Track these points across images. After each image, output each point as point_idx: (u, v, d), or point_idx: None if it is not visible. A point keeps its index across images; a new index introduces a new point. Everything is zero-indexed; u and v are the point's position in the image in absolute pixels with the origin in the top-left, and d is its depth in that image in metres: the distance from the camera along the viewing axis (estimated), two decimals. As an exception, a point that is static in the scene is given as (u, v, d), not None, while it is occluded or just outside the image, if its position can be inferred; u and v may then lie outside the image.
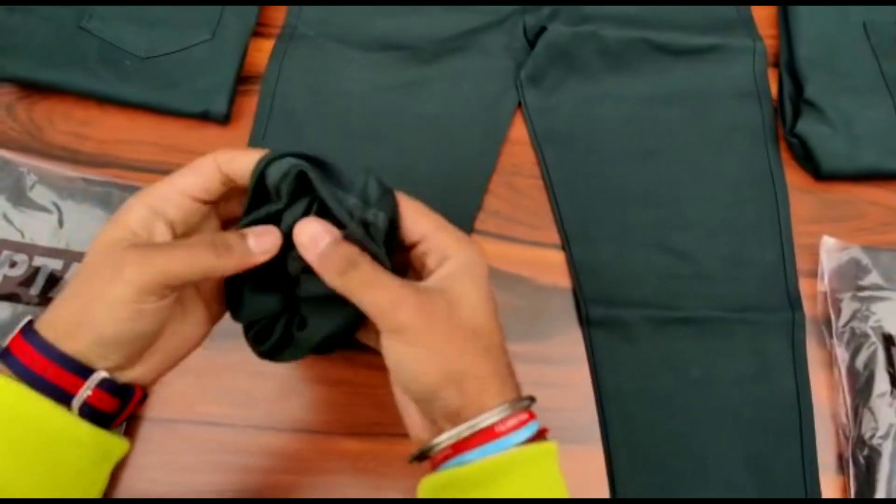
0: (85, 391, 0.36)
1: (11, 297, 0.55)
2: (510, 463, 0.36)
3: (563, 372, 0.57)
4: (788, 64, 0.66)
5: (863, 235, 0.61)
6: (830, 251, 0.59)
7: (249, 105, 0.66)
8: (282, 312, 0.42)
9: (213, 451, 0.54)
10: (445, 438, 0.37)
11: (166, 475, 0.53)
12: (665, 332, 0.57)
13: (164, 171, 0.62)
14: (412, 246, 0.40)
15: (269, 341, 0.42)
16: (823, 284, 0.58)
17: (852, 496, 0.52)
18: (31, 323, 0.38)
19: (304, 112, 0.65)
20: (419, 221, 0.40)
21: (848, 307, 0.56)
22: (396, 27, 0.68)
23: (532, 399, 0.39)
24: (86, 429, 0.36)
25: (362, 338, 0.43)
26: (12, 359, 0.36)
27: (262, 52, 0.67)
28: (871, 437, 0.52)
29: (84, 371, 0.36)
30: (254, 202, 0.40)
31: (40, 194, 0.59)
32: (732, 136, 0.64)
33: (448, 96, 0.65)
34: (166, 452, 0.54)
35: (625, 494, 0.53)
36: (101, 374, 0.36)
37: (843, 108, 0.62)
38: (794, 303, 0.58)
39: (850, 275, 0.57)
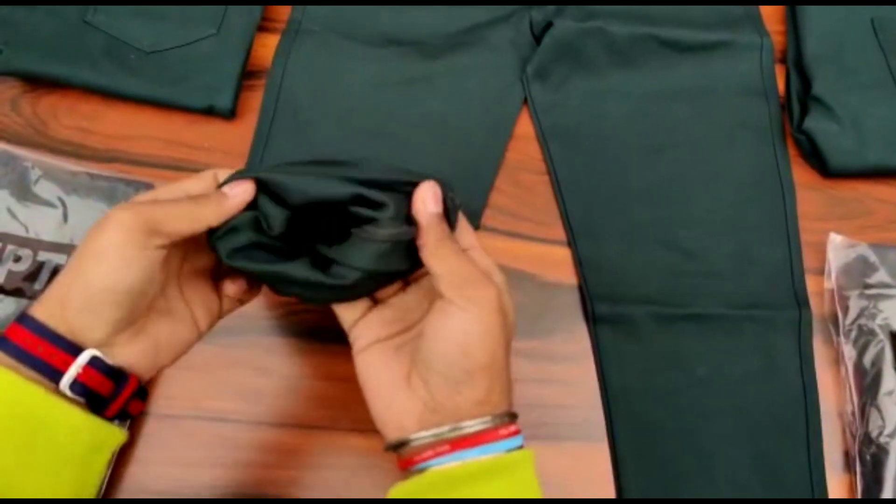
0: (75, 368, 0.37)
1: (16, 292, 0.55)
2: (510, 463, 0.39)
3: (568, 369, 0.57)
4: (796, 60, 0.66)
5: (870, 233, 0.61)
6: (838, 248, 0.58)
7: (255, 100, 0.65)
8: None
9: (218, 446, 0.54)
10: (449, 429, 0.38)
11: (171, 470, 0.53)
12: (671, 330, 0.57)
13: (170, 165, 0.63)
14: None
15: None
16: (830, 282, 0.58)
17: (859, 494, 0.52)
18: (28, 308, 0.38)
19: (310, 107, 0.65)
20: (465, 235, 0.44)
21: (855, 305, 0.56)
22: (402, 22, 0.68)
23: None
24: (78, 414, 0.37)
25: (340, 310, 0.44)
26: (8, 343, 0.37)
27: (267, 47, 0.67)
28: (879, 434, 0.52)
29: (74, 348, 0.37)
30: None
31: (45, 189, 0.59)
32: (739, 133, 0.64)
33: (454, 92, 0.65)
34: (171, 448, 0.54)
35: (630, 492, 0.53)
36: (92, 352, 0.37)
37: (851, 105, 0.62)
38: (801, 300, 0.58)
39: (858, 272, 0.57)
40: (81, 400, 0.37)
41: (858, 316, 0.55)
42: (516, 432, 0.40)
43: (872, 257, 0.57)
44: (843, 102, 0.62)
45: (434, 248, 0.39)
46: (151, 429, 0.54)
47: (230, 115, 0.64)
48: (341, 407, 0.55)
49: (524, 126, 0.65)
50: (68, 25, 0.65)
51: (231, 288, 0.45)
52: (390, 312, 0.44)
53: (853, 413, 0.54)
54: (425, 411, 0.39)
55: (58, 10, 0.66)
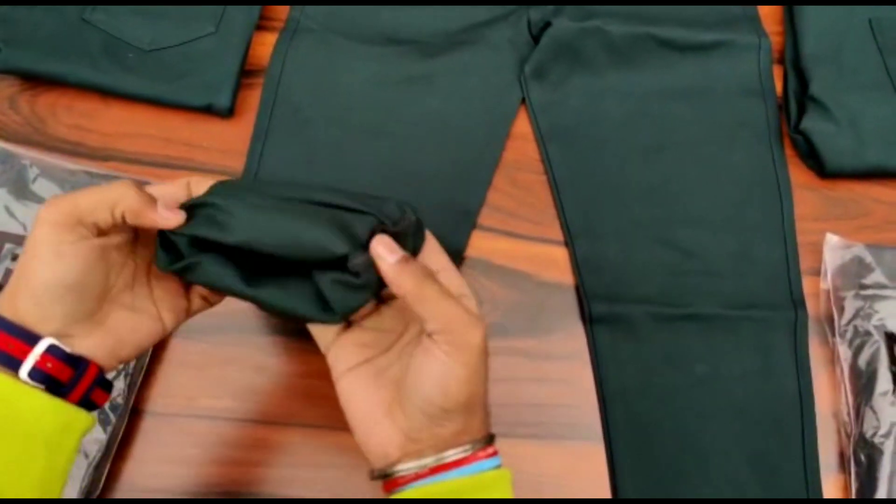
0: (33, 356, 0.37)
1: (14, 290, 0.55)
2: (487, 482, 0.39)
3: (565, 368, 0.57)
4: (794, 60, 0.66)
5: (867, 233, 0.61)
6: (834, 249, 0.58)
7: (253, 98, 0.65)
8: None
9: (213, 444, 0.54)
10: (433, 461, 0.39)
11: (167, 468, 0.53)
12: (668, 329, 0.57)
13: (167, 164, 0.63)
14: None
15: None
16: (826, 282, 0.58)
17: (853, 494, 0.52)
18: None
19: (308, 106, 0.65)
20: (433, 257, 0.43)
21: (851, 305, 0.56)
22: (401, 21, 0.68)
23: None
24: (40, 396, 0.37)
25: (316, 332, 0.44)
26: None
27: (265, 45, 0.67)
28: (873, 435, 0.52)
29: (31, 337, 0.37)
30: None
31: (43, 187, 0.59)
32: (737, 133, 0.64)
33: (452, 91, 0.65)
34: (167, 446, 0.54)
35: (626, 491, 0.53)
36: (48, 340, 0.38)
37: (849, 106, 0.62)
38: (798, 300, 0.58)
39: (854, 273, 0.57)
40: (41, 386, 0.38)
41: (854, 317, 0.55)
42: (494, 453, 0.41)
43: (868, 258, 0.57)
44: (841, 103, 0.62)
45: (414, 295, 0.38)
46: (147, 427, 0.54)
47: (228, 113, 0.64)
48: (336, 405, 0.55)
49: (522, 125, 0.65)
50: (67, 24, 0.65)
51: (201, 287, 0.45)
52: (366, 335, 0.43)
53: (848, 413, 0.54)
54: (406, 441, 0.39)
55: (57, 9, 0.66)
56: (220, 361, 0.56)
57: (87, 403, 0.40)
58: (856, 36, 0.65)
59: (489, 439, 0.41)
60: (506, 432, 0.55)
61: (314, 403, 0.55)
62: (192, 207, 0.41)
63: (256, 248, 0.39)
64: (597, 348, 0.57)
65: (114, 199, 0.39)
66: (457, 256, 0.60)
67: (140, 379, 0.54)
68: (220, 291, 0.42)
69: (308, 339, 0.45)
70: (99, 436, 0.51)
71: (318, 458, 0.54)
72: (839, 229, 0.61)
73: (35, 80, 0.65)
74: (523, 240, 0.61)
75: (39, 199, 0.58)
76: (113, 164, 0.63)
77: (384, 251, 0.39)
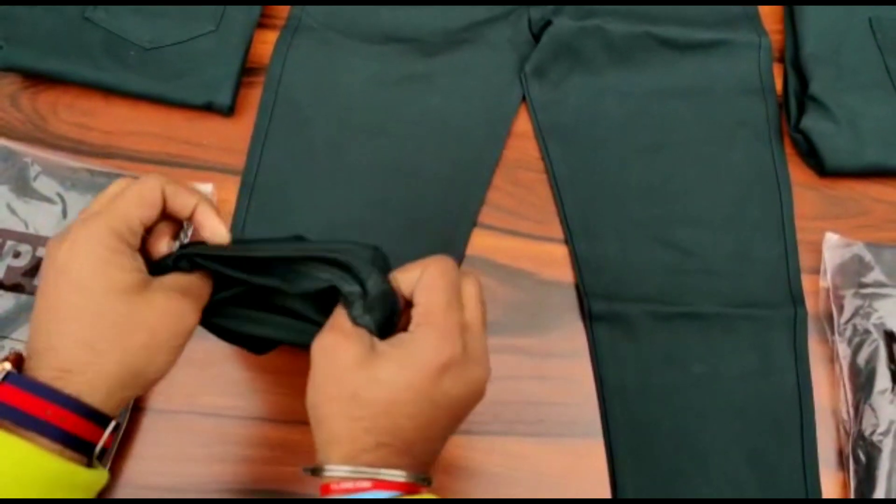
0: (102, 438, 0.36)
1: (15, 288, 0.55)
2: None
3: (565, 366, 0.57)
4: (793, 60, 0.66)
5: (867, 232, 0.61)
6: (833, 248, 0.59)
7: (254, 97, 0.65)
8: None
9: (215, 442, 0.54)
10: (368, 472, 0.36)
11: (168, 466, 0.53)
12: (667, 328, 0.57)
13: (168, 162, 0.63)
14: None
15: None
16: (826, 281, 0.58)
17: (852, 492, 0.52)
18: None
19: (309, 104, 0.65)
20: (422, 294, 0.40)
21: (850, 304, 0.56)
22: (402, 20, 0.68)
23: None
24: (75, 469, 0.35)
25: None
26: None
27: (266, 43, 0.67)
28: (872, 433, 0.52)
29: (104, 420, 0.36)
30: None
31: (44, 185, 0.59)
32: (737, 132, 0.64)
33: (452, 89, 0.65)
34: (168, 444, 0.54)
35: (625, 489, 0.53)
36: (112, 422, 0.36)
37: (848, 105, 0.62)
38: (797, 299, 0.58)
39: (853, 271, 0.57)
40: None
41: (853, 315, 0.56)
42: (417, 489, 0.38)
43: (868, 256, 0.57)
44: (840, 102, 0.62)
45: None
46: (148, 425, 0.54)
47: (229, 111, 0.64)
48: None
49: (522, 124, 0.65)
50: (68, 22, 0.65)
51: None
52: None
53: (847, 411, 0.54)
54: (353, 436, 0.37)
55: (57, 7, 0.66)
56: (221, 359, 0.56)
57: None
58: (856, 35, 0.65)
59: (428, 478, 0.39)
60: (506, 430, 0.55)
61: (315, 401, 0.56)
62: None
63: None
64: (596, 346, 0.57)
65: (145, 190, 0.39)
66: (457, 255, 0.60)
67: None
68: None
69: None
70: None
71: (319, 456, 0.54)
72: (839, 228, 0.61)
73: (36, 78, 0.65)
74: (523, 238, 0.62)
75: (41, 197, 0.58)
76: (114, 162, 0.63)
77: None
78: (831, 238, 0.59)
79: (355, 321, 0.38)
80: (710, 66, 0.66)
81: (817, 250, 0.60)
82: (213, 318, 0.43)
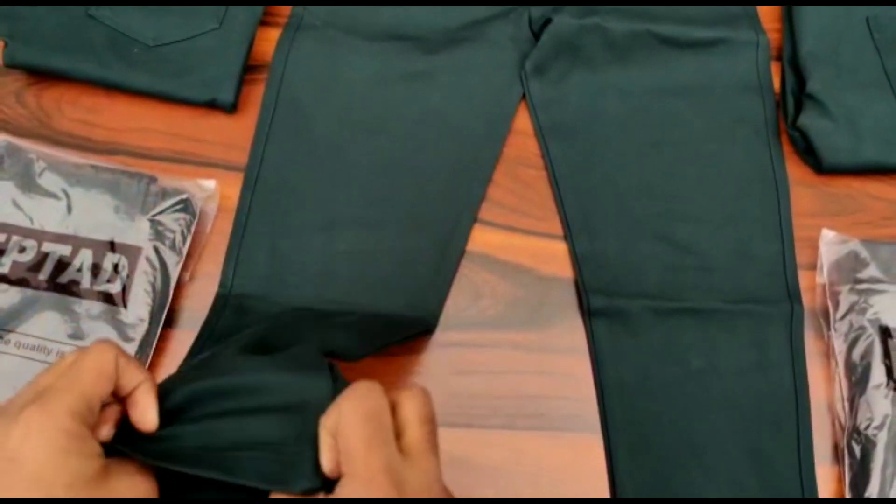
0: None
1: (21, 283, 0.56)
2: None
3: (564, 361, 0.58)
4: (791, 58, 0.66)
5: (863, 229, 0.62)
6: (830, 244, 0.59)
7: (256, 94, 0.66)
8: None
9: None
10: None
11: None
12: (666, 323, 0.58)
13: (171, 158, 0.64)
14: None
15: None
16: (822, 277, 0.59)
17: (846, 486, 0.53)
18: None
19: (311, 101, 0.66)
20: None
21: (846, 300, 0.57)
22: (403, 17, 0.69)
23: None
24: None
25: None
26: None
27: (269, 41, 0.68)
28: (867, 427, 0.52)
29: None
30: None
31: (49, 181, 0.59)
32: (735, 129, 0.65)
33: (453, 87, 0.66)
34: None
35: (623, 482, 0.54)
36: None
37: (846, 103, 0.62)
38: (794, 295, 0.59)
39: (849, 268, 0.58)
40: None
41: (849, 311, 0.56)
42: None
43: (864, 253, 0.58)
44: (838, 100, 0.62)
45: None
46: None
47: (232, 108, 0.65)
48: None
49: (522, 121, 0.66)
50: (72, 19, 0.66)
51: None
52: None
53: (843, 406, 0.55)
54: None
55: (62, 4, 0.66)
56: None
57: None
58: (853, 34, 0.66)
59: None
60: (506, 424, 0.56)
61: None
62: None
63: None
64: (596, 342, 0.58)
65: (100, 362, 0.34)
66: (458, 251, 0.61)
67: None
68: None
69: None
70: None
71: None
72: (836, 225, 0.62)
73: (41, 75, 0.66)
74: (524, 234, 0.62)
75: (46, 193, 0.59)
76: (118, 158, 0.63)
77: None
78: (828, 235, 0.60)
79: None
80: (709, 65, 0.67)
81: (814, 247, 0.61)
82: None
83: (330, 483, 0.34)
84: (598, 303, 0.58)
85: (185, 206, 0.59)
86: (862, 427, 0.53)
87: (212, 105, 0.65)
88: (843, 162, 0.62)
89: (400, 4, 0.69)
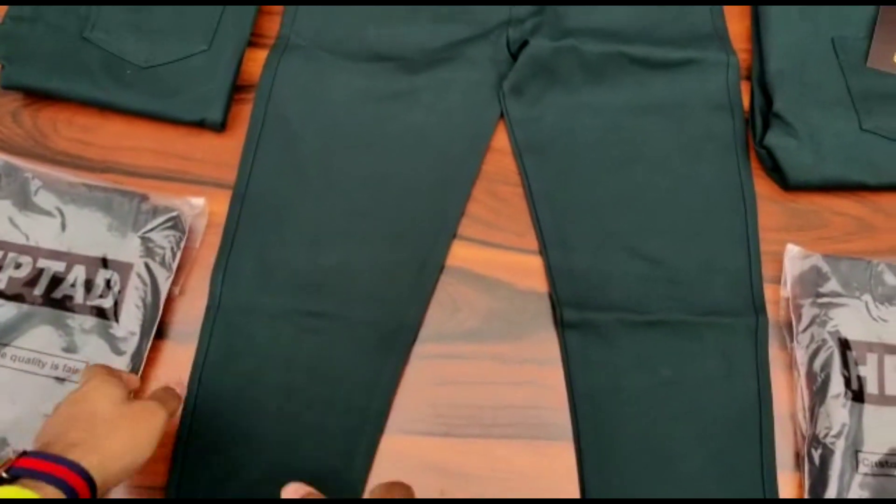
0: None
1: (17, 298, 0.58)
2: None
3: (539, 371, 0.60)
4: (760, 77, 0.69)
5: (827, 244, 0.64)
6: (794, 259, 0.62)
7: (245, 113, 0.68)
8: None
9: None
10: None
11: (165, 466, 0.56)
12: (636, 335, 0.60)
13: (163, 176, 0.66)
14: None
15: None
16: (787, 290, 0.61)
17: (806, 492, 0.55)
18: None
19: (297, 118, 0.68)
20: None
21: (808, 312, 0.59)
22: (387, 38, 0.71)
23: None
24: None
25: None
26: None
27: (256, 62, 0.70)
28: (826, 435, 0.55)
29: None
30: None
31: (44, 199, 0.62)
32: (706, 147, 0.67)
33: (435, 105, 0.68)
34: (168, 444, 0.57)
35: (592, 487, 0.56)
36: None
37: (810, 122, 0.65)
38: (759, 308, 0.61)
39: (811, 282, 0.60)
40: None
41: (811, 323, 0.59)
42: None
43: (825, 267, 0.60)
44: (803, 119, 0.65)
45: None
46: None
47: (221, 127, 0.67)
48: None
49: (501, 140, 0.68)
50: (68, 42, 0.68)
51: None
52: None
53: (804, 415, 0.57)
54: None
55: (58, 27, 0.69)
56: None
57: None
58: (819, 55, 0.68)
59: None
60: (483, 433, 0.58)
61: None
62: None
63: None
64: (568, 353, 0.60)
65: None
66: (437, 265, 0.63)
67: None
68: None
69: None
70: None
71: (305, 457, 0.57)
72: (801, 240, 0.64)
73: (37, 96, 0.68)
74: (501, 249, 0.65)
75: (41, 211, 0.61)
76: (111, 177, 0.66)
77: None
78: (792, 249, 0.62)
79: None
80: (681, 84, 0.69)
81: (780, 261, 0.63)
82: None
83: None
84: (570, 316, 0.61)
85: (175, 223, 0.62)
86: (821, 435, 0.55)
87: (202, 124, 0.67)
88: (807, 179, 0.64)
89: (389, 4, 0.71)
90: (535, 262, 0.64)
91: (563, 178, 0.66)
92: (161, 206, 0.62)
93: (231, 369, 0.59)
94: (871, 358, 0.57)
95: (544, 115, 0.68)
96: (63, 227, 0.61)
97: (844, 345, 0.57)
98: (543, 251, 0.64)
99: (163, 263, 0.60)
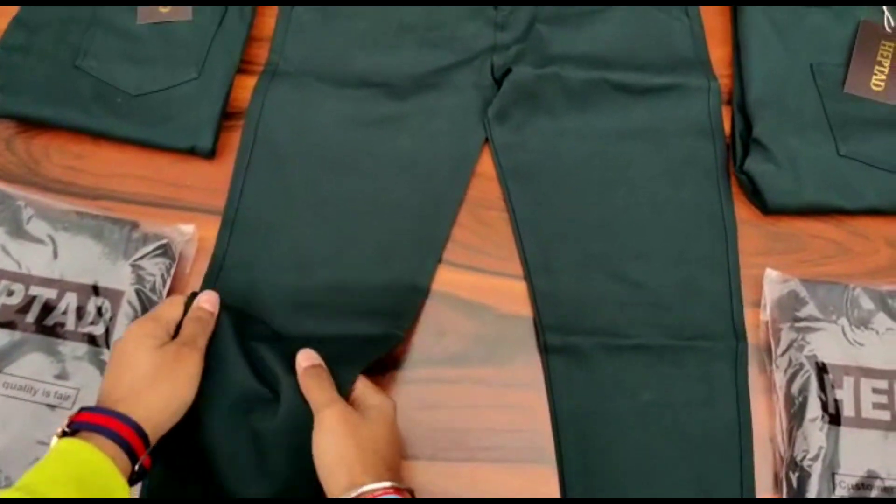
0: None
1: (9, 325, 0.59)
2: None
3: (522, 395, 0.61)
4: (740, 103, 0.70)
5: (806, 267, 0.65)
6: (773, 283, 0.63)
7: (234, 140, 0.70)
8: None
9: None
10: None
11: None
12: (618, 359, 0.61)
13: (154, 203, 0.67)
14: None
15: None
16: (766, 314, 0.62)
17: (784, 514, 0.56)
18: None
19: (286, 145, 0.69)
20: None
21: (786, 336, 0.60)
22: (374, 65, 0.72)
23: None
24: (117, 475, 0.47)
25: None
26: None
27: (246, 89, 0.71)
28: (803, 458, 0.56)
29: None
30: None
31: (36, 227, 0.63)
32: (687, 171, 0.68)
33: (421, 130, 0.69)
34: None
35: (575, 511, 0.57)
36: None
37: (789, 147, 0.66)
38: (739, 332, 0.62)
39: (790, 306, 0.61)
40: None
41: (789, 347, 0.60)
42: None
43: (803, 292, 0.61)
44: (782, 144, 0.66)
45: (302, 382, 0.53)
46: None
47: (211, 154, 0.68)
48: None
49: (486, 165, 0.69)
50: (60, 70, 0.70)
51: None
52: None
53: (782, 438, 0.58)
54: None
55: (51, 55, 0.70)
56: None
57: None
58: (798, 80, 0.69)
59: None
60: (468, 456, 0.59)
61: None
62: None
63: None
64: (551, 377, 0.61)
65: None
66: (423, 290, 0.64)
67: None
68: None
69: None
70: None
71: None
72: (780, 263, 0.65)
73: (30, 123, 0.70)
74: (486, 274, 0.66)
75: (33, 238, 0.62)
76: (103, 203, 0.67)
77: (303, 358, 0.54)
78: (771, 274, 0.63)
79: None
80: (663, 109, 0.70)
81: (760, 285, 0.64)
82: None
83: None
84: (554, 340, 0.62)
85: (165, 250, 0.63)
86: (798, 458, 0.56)
87: (192, 151, 0.68)
88: (786, 203, 0.65)
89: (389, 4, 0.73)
90: (519, 287, 0.65)
91: (547, 202, 0.67)
92: (151, 234, 0.63)
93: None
94: (848, 381, 0.58)
95: (528, 140, 0.69)
96: (55, 254, 0.62)
97: (821, 368, 0.58)
98: (528, 276, 0.65)
99: (153, 290, 0.61)
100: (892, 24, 0.72)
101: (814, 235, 0.67)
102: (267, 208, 0.67)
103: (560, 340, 0.62)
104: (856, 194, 0.65)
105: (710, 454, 0.59)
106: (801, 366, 0.58)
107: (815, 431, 0.56)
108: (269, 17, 0.75)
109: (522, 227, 0.66)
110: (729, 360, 0.61)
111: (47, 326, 0.60)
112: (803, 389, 0.58)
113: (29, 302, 0.60)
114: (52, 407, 0.58)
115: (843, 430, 0.56)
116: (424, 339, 0.63)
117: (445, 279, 0.65)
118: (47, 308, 0.60)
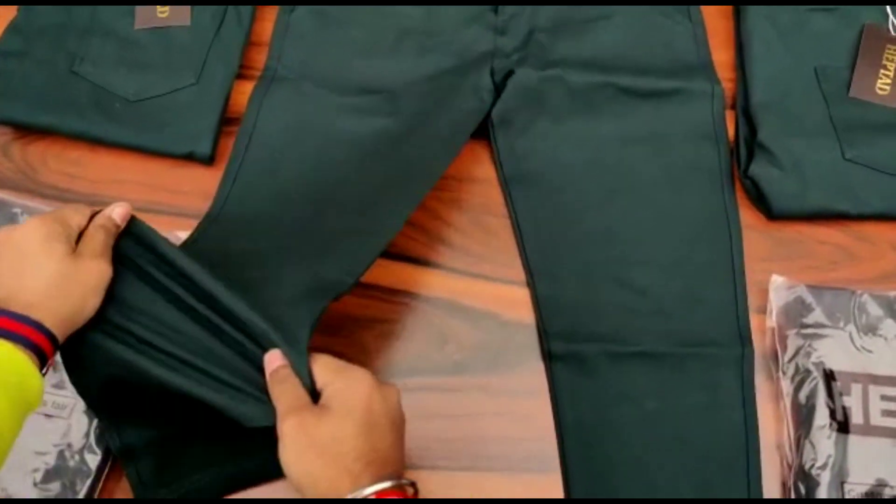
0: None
1: (5, 334, 0.58)
2: None
3: (525, 403, 0.61)
4: (744, 108, 0.69)
5: (812, 273, 0.64)
6: (779, 289, 0.62)
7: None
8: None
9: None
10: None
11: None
12: (622, 367, 0.60)
13: (151, 209, 0.66)
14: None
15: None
16: (772, 321, 0.61)
17: (792, 524, 0.55)
18: None
19: (282, 149, 0.69)
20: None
21: (793, 343, 0.59)
22: (372, 70, 0.72)
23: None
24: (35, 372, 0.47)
25: None
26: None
27: (245, 94, 0.71)
28: (811, 467, 0.55)
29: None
30: None
31: (33, 234, 0.62)
32: (691, 177, 0.67)
33: (419, 136, 0.68)
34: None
35: (580, 520, 0.56)
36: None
37: (794, 152, 0.65)
38: (745, 338, 0.61)
39: (796, 312, 0.60)
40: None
41: (795, 354, 0.59)
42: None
43: (809, 298, 0.60)
44: (786, 149, 0.65)
45: (269, 385, 0.49)
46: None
47: (210, 160, 0.68)
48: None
49: (488, 171, 0.69)
50: (57, 76, 0.69)
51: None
52: None
53: (789, 446, 0.57)
54: None
55: (48, 61, 0.70)
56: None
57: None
58: (802, 84, 0.69)
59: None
60: (469, 466, 0.58)
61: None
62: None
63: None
64: (555, 384, 0.60)
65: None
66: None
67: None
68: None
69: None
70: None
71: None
72: (786, 269, 0.64)
73: (27, 129, 0.69)
74: (488, 281, 0.65)
75: (30, 246, 0.61)
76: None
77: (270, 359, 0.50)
78: (777, 280, 0.62)
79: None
80: (666, 114, 0.69)
81: (766, 291, 0.63)
82: None
83: None
84: (557, 347, 0.61)
85: (162, 257, 0.62)
86: (807, 467, 0.55)
87: (190, 157, 0.68)
88: (791, 208, 0.65)
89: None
90: (522, 293, 0.64)
91: (550, 208, 0.66)
92: (148, 241, 0.62)
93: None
94: (856, 388, 0.57)
95: (532, 145, 0.68)
96: (51, 262, 0.61)
97: (829, 375, 0.57)
98: (530, 282, 0.64)
99: (150, 298, 0.61)
100: (897, 27, 0.71)
101: (820, 241, 0.66)
102: (252, 211, 0.65)
103: (564, 348, 0.61)
104: (861, 199, 0.64)
105: (715, 462, 0.58)
106: (809, 373, 0.58)
107: (823, 439, 0.55)
108: (268, 21, 0.75)
109: (525, 233, 0.66)
110: (734, 367, 0.60)
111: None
112: (811, 397, 0.57)
113: (25, 310, 0.59)
114: (48, 416, 0.57)
115: (852, 437, 0.56)
116: (426, 347, 0.62)
117: (448, 286, 0.64)
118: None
